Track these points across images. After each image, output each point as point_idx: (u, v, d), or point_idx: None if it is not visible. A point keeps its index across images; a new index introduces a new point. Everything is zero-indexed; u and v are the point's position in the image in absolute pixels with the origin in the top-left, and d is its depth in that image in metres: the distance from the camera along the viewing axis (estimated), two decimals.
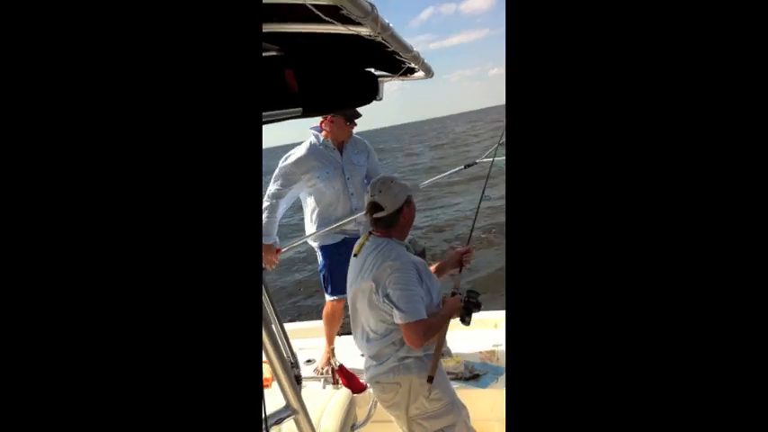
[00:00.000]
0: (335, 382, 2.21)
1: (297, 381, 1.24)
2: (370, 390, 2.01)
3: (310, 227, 2.67)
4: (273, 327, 1.24)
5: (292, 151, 2.65)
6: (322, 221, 2.66)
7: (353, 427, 1.84)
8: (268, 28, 0.95)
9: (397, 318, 1.72)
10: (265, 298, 1.22)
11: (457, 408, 1.86)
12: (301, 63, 1.27)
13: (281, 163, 2.53)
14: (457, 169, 3.32)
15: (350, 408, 1.84)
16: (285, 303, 6.36)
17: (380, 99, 1.90)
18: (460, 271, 2.04)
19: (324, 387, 2.30)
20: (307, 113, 1.39)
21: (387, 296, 1.73)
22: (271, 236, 2.49)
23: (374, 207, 1.85)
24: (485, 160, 3.77)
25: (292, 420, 1.24)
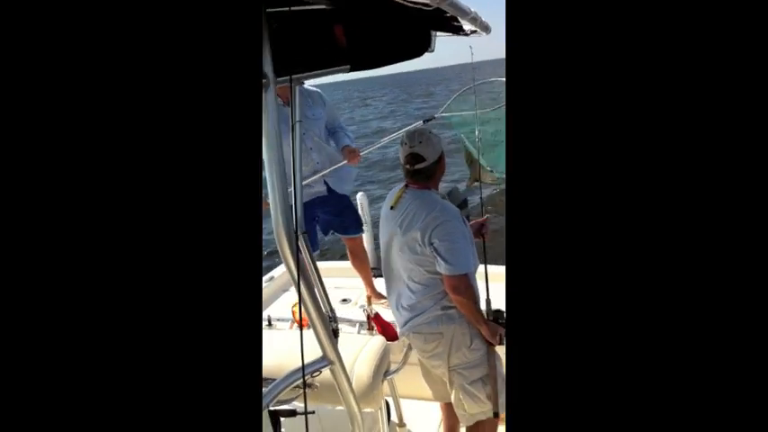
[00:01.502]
0: (370, 328, 2.28)
1: (334, 334, 1.29)
2: (404, 338, 2.07)
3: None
4: (313, 280, 1.28)
5: None
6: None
7: (386, 373, 1.91)
8: None
9: (443, 268, 1.75)
10: (307, 255, 1.25)
11: (492, 356, 1.91)
12: (351, 18, 1.23)
13: None
14: (416, 125, 3.31)
15: (384, 355, 1.90)
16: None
17: (432, 51, 1.83)
18: (484, 242, 2.07)
19: (359, 332, 2.38)
20: (354, 69, 1.36)
21: (433, 247, 1.75)
22: None
23: (415, 158, 1.84)
24: (443, 114, 3.66)
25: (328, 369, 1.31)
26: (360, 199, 3.86)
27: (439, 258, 1.75)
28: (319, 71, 1.18)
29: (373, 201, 4.14)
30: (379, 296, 2.91)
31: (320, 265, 3.97)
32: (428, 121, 3.41)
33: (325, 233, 2.95)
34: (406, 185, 1.90)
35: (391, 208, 1.89)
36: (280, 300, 3.14)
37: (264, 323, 2.61)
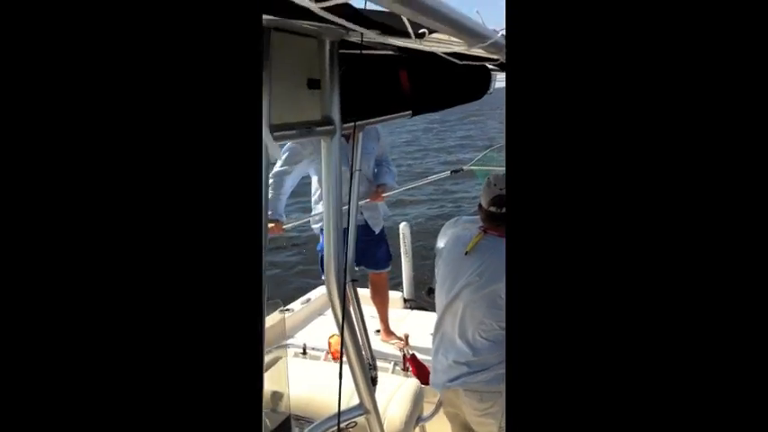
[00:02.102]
0: (405, 369, 2.23)
1: (372, 382, 1.25)
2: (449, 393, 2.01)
3: (314, 207, 2.69)
4: (356, 328, 1.26)
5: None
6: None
7: (419, 419, 1.86)
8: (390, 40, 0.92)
9: None
10: (354, 303, 1.23)
11: None
12: (415, 64, 1.23)
13: (289, 142, 2.53)
14: (443, 175, 3.24)
15: (418, 399, 1.85)
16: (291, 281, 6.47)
17: (491, 93, 1.81)
18: None
19: (392, 371, 2.34)
20: (416, 113, 1.36)
21: None
22: (276, 212, 2.58)
23: (503, 202, 1.76)
24: (472, 168, 3.64)
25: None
26: (402, 229, 3.85)
27: None
28: (382, 117, 1.18)
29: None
30: (391, 335, 2.88)
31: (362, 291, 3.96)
32: (456, 172, 3.40)
33: (357, 264, 2.94)
34: (485, 231, 1.82)
35: (466, 253, 1.80)
36: (314, 323, 3.13)
37: (299, 350, 2.60)
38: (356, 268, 2.98)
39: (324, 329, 2.85)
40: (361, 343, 1.23)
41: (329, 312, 3.65)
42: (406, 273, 3.86)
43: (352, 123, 1.03)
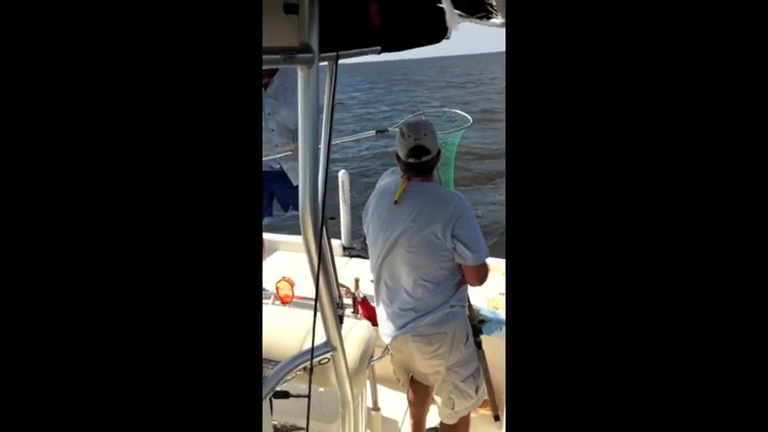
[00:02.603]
0: (355, 311, 2.27)
1: (339, 320, 1.27)
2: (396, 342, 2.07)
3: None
4: (329, 267, 1.25)
5: None
6: None
7: (371, 359, 1.91)
8: None
9: (469, 259, 1.74)
10: (326, 243, 1.22)
11: (480, 350, 1.94)
12: None
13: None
14: (367, 134, 3.29)
15: (370, 341, 1.89)
16: None
17: (449, 38, 1.80)
18: None
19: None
20: (385, 50, 1.32)
21: (456, 239, 1.73)
22: None
23: (420, 151, 1.80)
24: (395, 129, 3.77)
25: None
26: (342, 176, 3.82)
27: (464, 249, 1.73)
28: (355, 50, 1.13)
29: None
30: None
31: (298, 239, 3.93)
32: (382, 132, 3.41)
33: (285, 209, 2.89)
34: (408, 178, 1.84)
35: (395, 203, 1.82)
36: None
37: None
38: (287, 213, 2.93)
39: (268, 275, 2.81)
40: (332, 283, 1.23)
41: (270, 257, 3.61)
42: (344, 221, 3.86)
43: (334, 53, 0.98)
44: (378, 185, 2.01)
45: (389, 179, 1.99)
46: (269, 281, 2.55)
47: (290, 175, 2.75)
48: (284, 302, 2.24)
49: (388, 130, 3.48)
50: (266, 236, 3.69)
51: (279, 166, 2.72)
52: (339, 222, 3.90)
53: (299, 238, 3.47)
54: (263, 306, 2.51)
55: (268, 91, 2.53)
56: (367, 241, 1.98)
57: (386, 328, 1.96)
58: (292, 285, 2.24)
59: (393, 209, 1.83)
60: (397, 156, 1.88)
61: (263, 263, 3.16)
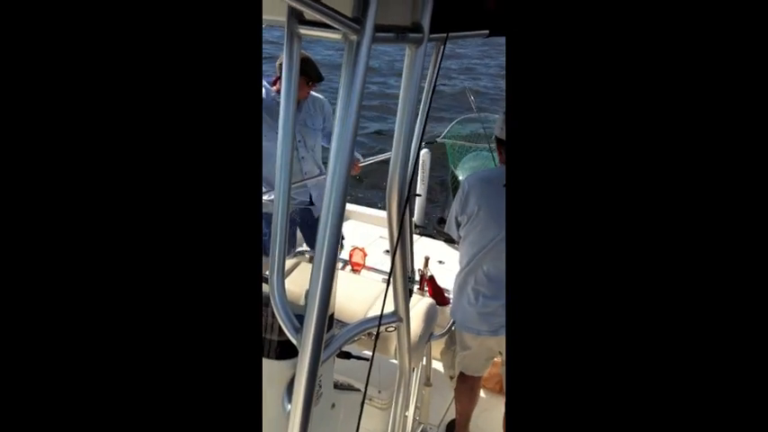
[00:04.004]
0: (421, 288, 2.31)
1: (409, 294, 1.31)
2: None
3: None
4: (407, 241, 1.29)
5: None
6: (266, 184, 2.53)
7: (431, 336, 1.95)
8: None
9: None
10: (408, 217, 1.26)
11: None
12: None
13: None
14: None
15: (432, 318, 1.93)
16: None
17: None
18: None
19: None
20: (492, 35, 1.31)
21: None
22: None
23: None
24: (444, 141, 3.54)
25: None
26: (423, 156, 3.82)
27: None
28: (464, 33, 1.14)
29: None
30: None
31: (371, 211, 3.99)
32: (430, 144, 3.27)
33: (310, 245, 2.92)
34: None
35: (504, 186, 1.74)
36: None
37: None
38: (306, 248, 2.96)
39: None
40: (408, 256, 1.27)
41: (346, 224, 3.72)
42: (420, 199, 3.89)
43: (444, 35, 1.00)
44: (477, 174, 2.00)
45: (476, 163, 1.99)
46: (343, 248, 2.65)
47: (317, 201, 2.76)
48: (356, 270, 2.33)
49: (436, 141, 3.40)
50: None
51: (308, 197, 2.74)
52: (415, 200, 3.94)
53: (371, 210, 3.55)
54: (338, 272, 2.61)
55: (299, 117, 2.56)
56: (461, 230, 1.96)
57: (477, 324, 1.92)
58: (365, 256, 2.32)
59: (504, 196, 1.82)
60: (498, 139, 1.87)
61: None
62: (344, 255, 2.62)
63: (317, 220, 2.86)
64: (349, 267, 2.43)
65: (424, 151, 3.86)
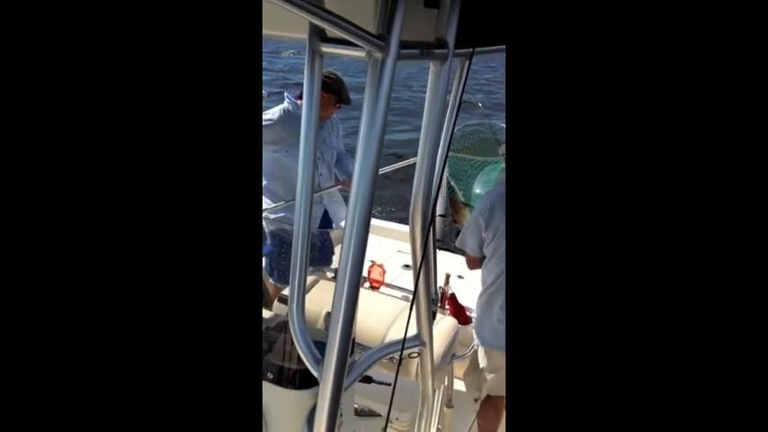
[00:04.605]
0: (442, 307, 2.25)
1: (432, 316, 1.26)
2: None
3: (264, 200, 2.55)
4: (431, 263, 1.25)
5: (265, 114, 2.47)
6: (277, 198, 2.47)
7: (453, 356, 1.90)
8: None
9: None
10: (432, 239, 1.22)
11: None
12: None
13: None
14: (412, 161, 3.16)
15: (455, 339, 1.88)
16: None
17: None
18: None
19: None
20: None
21: None
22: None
23: None
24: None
25: None
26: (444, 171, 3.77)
27: None
28: (490, 47, 1.10)
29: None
30: None
31: (388, 225, 3.96)
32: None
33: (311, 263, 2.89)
34: None
35: None
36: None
37: (332, 274, 2.63)
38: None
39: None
40: (431, 278, 1.22)
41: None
42: (440, 211, 3.84)
43: (469, 50, 0.96)
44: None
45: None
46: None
47: (333, 215, 2.75)
48: (374, 287, 2.28)
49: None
50: None
51: (320, 214, 2.74)
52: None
53: (389, 224, 3.53)
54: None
55: (319, 135, 2.60)
56: (486, 247, 1.97)
57: (502, 341, 1.95)
58: (384, 272, 2.27)
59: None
60: None
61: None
62: (362, 271, 2.58)
63: (324, 241, 2.83)
64: (367, 284, 2.38)
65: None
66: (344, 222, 0.85)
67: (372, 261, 2.47)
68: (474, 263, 2.11)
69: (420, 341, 1.28)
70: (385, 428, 1.17)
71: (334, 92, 2.49)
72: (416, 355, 1.29)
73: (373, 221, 3.86)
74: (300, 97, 2.53)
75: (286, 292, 1.62)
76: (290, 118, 2.50)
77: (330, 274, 2.66)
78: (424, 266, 1.10)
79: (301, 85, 0.93)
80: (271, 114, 2.52)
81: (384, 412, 1.63)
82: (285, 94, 2.61)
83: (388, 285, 2.43)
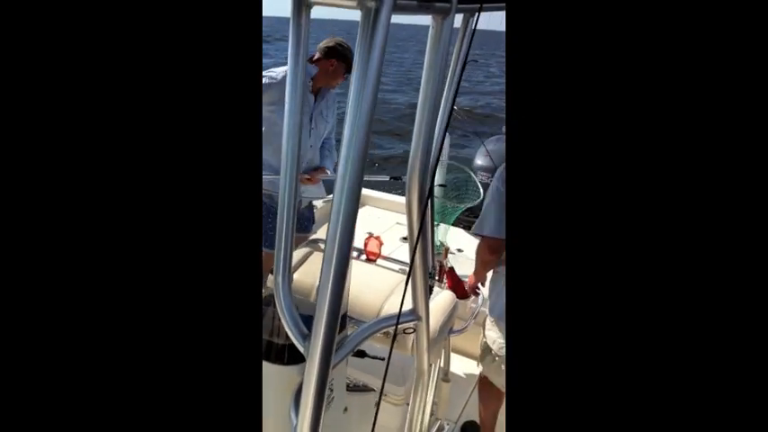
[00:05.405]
0: (440, 281, 2.21)
1: (429, 290, 1.21)
2: (472, 304, 2.00)
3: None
4: (428, 235, 1.20)
5: (269, 72, 2.36)
6: (265, 166, 2.32)
7: (450, 330, 1.86)
8: None
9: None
10: (429, 211, 1.16)
11: None
12: None
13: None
14: (381, 178, 3.18)
15: (452, 313, 1.84)
16: None
17: None
18: None
19: None
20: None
21: None
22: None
23: None
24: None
25: None
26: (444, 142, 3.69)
27: None
28: (499, 4, 1.02)
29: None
30: None
31: (387, 196, 3.89)
32: (396, 179, 3.05)
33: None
34: None
35: None
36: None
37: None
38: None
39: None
40: (429, 251, 1.17)
41: (361, 210, 3.65)
42: (439, 180, 3.77)
43: (476, 5, 0.88)
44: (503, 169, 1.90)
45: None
46: (357, 235, 2.55)
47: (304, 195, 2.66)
48: (370, 260, 2.23)
49: (401, 178, 3.25)
50: None
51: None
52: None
53: (387, 195, 3.46)
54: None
55: (316, 105, 2.47)
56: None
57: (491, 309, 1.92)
58: (381, 244, 2.22)
59: None
60: None
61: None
62: (359, 243, 2.53)
63: (305, 209, 2.77)
64: (363, 257, 2.34)
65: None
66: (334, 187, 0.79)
67: (369, 233, 2.42)
68: (495, 248, 1.80)
69: (416, 315, 1.24)
70: (378, 403, 1.13)
71: (344, 59, 2.40)
72: (412, 330, 1.24)
73: (371, 193, 3.80)
74: (311, 59, 2.43)
75: None
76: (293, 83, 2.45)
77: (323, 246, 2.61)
78: (420, 239, 1.05)
79: (314, 45, 0.87)
80: (275, 73, 2.41)
81: (378, 387, 1.60)
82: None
83: (386, 258, 2.39)
